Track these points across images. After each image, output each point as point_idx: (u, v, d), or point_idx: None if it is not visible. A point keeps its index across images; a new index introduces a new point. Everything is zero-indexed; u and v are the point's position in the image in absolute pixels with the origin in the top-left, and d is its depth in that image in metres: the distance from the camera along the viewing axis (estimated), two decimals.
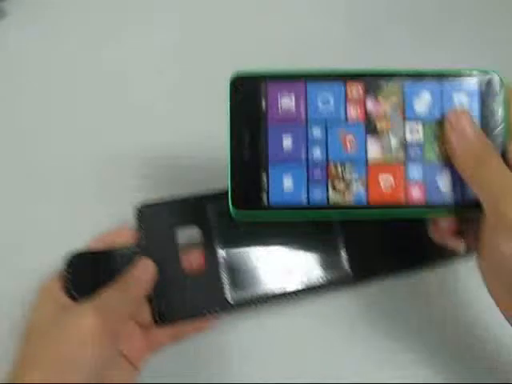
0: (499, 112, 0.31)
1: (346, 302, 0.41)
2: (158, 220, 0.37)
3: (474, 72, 0.32)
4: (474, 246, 0.32)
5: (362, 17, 0.52)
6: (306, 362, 0.40)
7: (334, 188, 0.31)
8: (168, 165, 0.44)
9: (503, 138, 0.31)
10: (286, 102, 0.31)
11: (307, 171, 0.31)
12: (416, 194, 0.31)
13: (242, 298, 0.38)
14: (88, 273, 0.36)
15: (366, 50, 0.51)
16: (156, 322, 0.37)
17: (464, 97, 0.32)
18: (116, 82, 0.47)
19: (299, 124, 0.31)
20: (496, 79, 0.32)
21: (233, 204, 0.30)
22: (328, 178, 0.31)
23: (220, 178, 0.35)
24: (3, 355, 0.37)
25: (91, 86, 0.47)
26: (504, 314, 0.31)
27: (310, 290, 0.38)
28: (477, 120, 0.31)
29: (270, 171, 0.31)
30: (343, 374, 0.39)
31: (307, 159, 0.31)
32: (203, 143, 0.45)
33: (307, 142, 0.31)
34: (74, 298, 0.36)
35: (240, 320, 0.40)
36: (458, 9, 0.53)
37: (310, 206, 0.31)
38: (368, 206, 0.31)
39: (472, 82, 0.32)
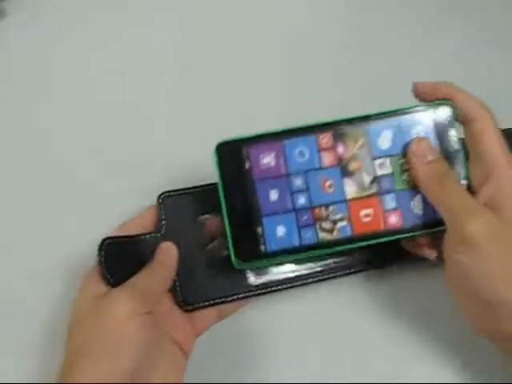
0: (456, 138, 0.36)
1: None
2: (180, 207, 0.38)
3: (429, 105, 0.36)
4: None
5: (361, 17, 0.52)
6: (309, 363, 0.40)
7: (321, 228, 0.35)
8: (167, 164, 0.45)
9: (463, 162, 0.36)
10: (268, 160, 0.35)
11: (296, 218, 0.35)
12: (393, 220, 0.36)
13: (264, 282, 0.38)
14: (120, 259, 0.37)
15: (365, 50, 0.51)
16: (181, 307, 0.37)
17: (422, 128, 0.36)
18: (116, 82, 0.47)
19: (282, 177, 0.35)
20: (449, 109, 0.36)
21: (235, 258, 0.34)
22: (315, 221, 0.35)
23: None
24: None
25: (91, 85, 0.47)
26: (473, 329, 0.35)
27: (325, 273, 0.39)
28: (436, 147, 0.36)
29: (263, 224, 0.35)
30: (345, 374, 0.39)
31: (294, 207, 0.35)
32: (202, 143, 0.45)
33: (292, 192, 0.35)
34: (110, 284, 0.36)
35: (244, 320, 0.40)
36: (459, 9, 0.53)
37: (303, 248, 0.35)
38: (353, 239, 0.35)
39: (428, 114, 0.36)
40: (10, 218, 0.43)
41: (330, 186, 0.35)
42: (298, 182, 0.35)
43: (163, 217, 0.38)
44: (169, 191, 0.39)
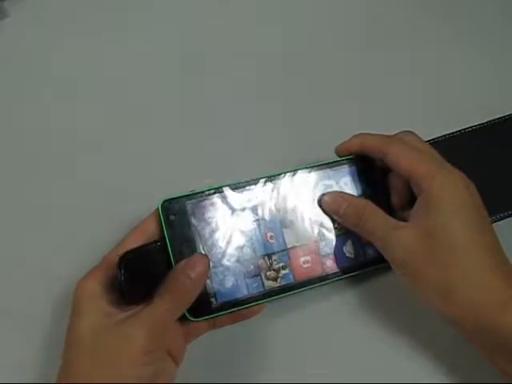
0: (376, 181, 0.40)
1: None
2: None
3: (353, 157, 0.40)
4: None
5: (362, 17, 0.52)
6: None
7: (266, 277, 0.37)
8: (166, 167, 0.45)
9: (383, 193, 0.40)
10: (212, 214, 0.37)
11: (243, 269, 0.37)
12: (330, 264, 0.39)
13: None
14: (135, 275, 0.35)
15: (365, 50, 0.51)
16: (188, 318, 0.36)
17: (348, 177, 0.40)
18: (115, 84, 0.47)
19: (227, 231, 0.37)
20: (366, 161, 0.40)
21: (189, 315, 0.35)
22: (260, 271, 0.37)
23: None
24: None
25: (91, 86, 0.47)
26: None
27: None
28: (359, 192, 0.40)
29: (212, 277, 0.36)
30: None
31: (241, 259, 0.37)
32: (201, 149, 0.46)
33: (237, 244, 0.37)
34: (123, 303, 0.34)
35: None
36: (460, 12, 0.53)
37: (251, 296, 0.37)
38: (296, 285, 0.38)
39: (349, 165, 0.40)
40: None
41: (271, 237, 0.38)
42: (243, 235, 0.37)
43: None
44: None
